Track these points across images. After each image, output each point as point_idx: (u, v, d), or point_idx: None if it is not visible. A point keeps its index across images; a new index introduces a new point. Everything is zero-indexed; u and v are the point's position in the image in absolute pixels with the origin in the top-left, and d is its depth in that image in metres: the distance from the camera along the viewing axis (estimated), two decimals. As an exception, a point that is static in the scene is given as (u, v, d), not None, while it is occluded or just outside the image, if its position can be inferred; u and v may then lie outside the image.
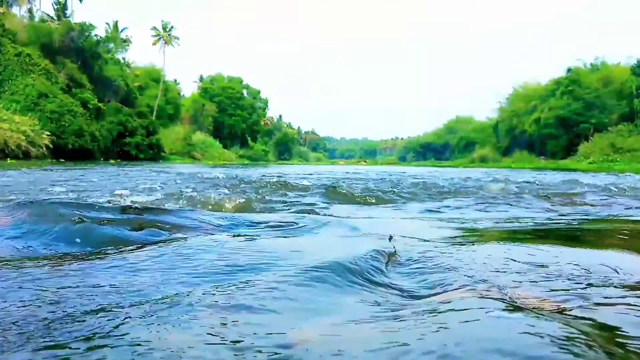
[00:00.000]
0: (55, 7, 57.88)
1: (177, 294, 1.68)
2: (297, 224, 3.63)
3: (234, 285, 1.74)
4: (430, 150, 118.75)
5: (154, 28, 74.76)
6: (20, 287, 1.77)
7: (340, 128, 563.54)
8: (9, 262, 2.23)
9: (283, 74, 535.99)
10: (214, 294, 1.61)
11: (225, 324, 1.32)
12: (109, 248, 2.61)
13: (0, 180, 10.15)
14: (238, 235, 3.01)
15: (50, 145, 41.72)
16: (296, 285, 1.72)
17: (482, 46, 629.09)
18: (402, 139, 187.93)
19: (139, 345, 1.19)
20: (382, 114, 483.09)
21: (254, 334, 1.26)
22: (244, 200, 5.96)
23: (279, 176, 13.87)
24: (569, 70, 65.06)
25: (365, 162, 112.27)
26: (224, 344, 1.19)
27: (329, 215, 4.69)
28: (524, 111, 69.60)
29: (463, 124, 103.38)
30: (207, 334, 1.26)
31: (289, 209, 5.58)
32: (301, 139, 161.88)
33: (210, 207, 5.37)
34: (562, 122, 61.27)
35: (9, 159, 33.94)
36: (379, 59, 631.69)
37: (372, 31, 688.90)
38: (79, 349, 1.18)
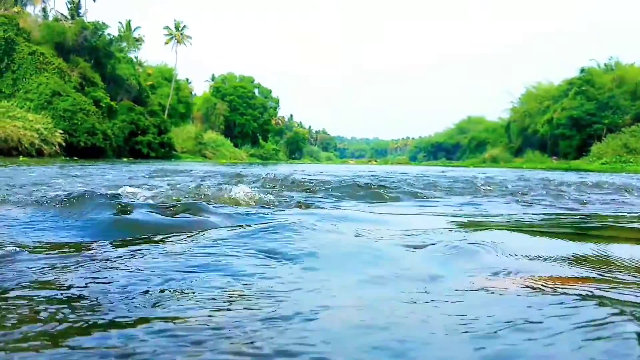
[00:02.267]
0: (69, 6, 58.35)
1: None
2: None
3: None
4: (441, 150, 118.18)
5: (167, 27, 75.13)
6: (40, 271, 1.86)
7: (351, 128, 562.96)
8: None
9: (295, 74, 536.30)
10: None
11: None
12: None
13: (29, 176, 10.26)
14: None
15: (63, 143, 42.08)
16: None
17: (493, 46, 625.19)
18: (413, 138, 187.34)
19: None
20: (393, 114, 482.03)
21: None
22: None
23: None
24: (582, 70, 64.52)
25: (375, 161, 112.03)
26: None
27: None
28: (537, 111, 69.14)
29: (474, 124, 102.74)
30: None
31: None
32: (312, 139, 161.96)
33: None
34: (575, 123, 60.78)
35: (21, 156, 34.29)
36: (389, 59, 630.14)
37: (382, 31, 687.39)
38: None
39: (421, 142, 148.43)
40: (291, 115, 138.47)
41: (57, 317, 1.34)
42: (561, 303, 1.49)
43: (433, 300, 1.59)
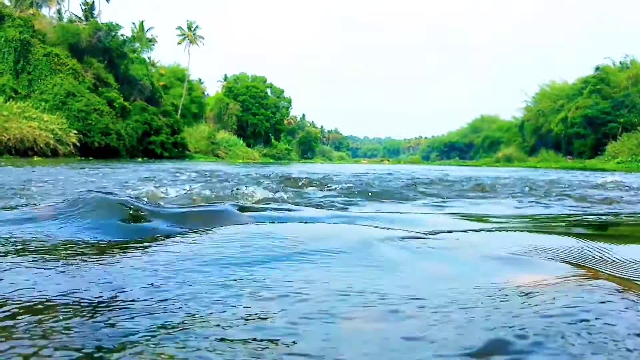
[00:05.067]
0: (83, 7, 58.91)
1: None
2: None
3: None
4: (454, 149, 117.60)
5: (179, 27, 75.60)
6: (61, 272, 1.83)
7: (364, 127, 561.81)
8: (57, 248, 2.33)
9: (307, 73, 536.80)
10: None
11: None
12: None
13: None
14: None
15: (78, 144, 42.52)
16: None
17: (508, 44, 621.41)
18: (426, 138, 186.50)
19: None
20: (405, 113, 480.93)
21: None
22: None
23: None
24: (597, 68, 63.88)
25: (388, 161, 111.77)
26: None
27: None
28: (551, 110, 68.61)
29: (488, 123, 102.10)
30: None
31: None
32: (324, 138, 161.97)
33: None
34: (590, 122, 60.21)
35: (35, 157, 34.67)
36: (402, 58, 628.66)
37: (395, 31, 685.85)
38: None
39: (434, 141, 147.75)
40: (303, 115, 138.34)
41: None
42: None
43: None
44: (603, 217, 4.88)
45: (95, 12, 59.39)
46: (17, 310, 1.36)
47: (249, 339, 1.15)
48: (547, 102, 70.25)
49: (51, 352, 1.07)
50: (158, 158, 50.23)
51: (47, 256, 2.13)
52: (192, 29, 75.57)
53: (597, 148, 57.38)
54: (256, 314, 1.33)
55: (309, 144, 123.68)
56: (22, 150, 36.42)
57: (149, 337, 1.16)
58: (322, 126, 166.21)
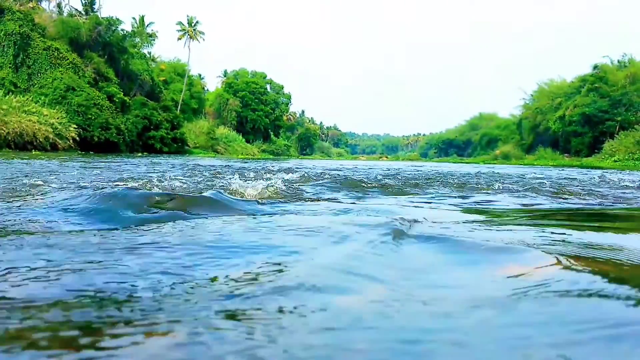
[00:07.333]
0: (83, 1, 58.78)
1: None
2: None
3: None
4: (452, 146, 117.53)
5: (179, 23, 75.51)
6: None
7: (362, 124, 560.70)
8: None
9: (306, 69, 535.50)
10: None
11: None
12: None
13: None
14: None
15: (77, 138, 42.55)
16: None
17: (506, 42, 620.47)
18: (424, 135, 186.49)
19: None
20: (404, 110, 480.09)
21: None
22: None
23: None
24: (595, 67, 63.84)
25: (386, 157, 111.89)
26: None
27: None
28: (549, 108, 68.59)
29: (486, 121, 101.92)
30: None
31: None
32: (323, 134, 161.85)
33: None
34: (587, 120, 60.27)
35: (34, 150, 34.75)
36: (400, 56, 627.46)
37: (393, 28, 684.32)
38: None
39: (432, 138, 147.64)
40: (302, 111, 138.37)
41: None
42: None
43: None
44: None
45: (96, 7, 59.23)
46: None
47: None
48: (545, 100, 70.23)
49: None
50: (157, 153, 50.32)
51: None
52: (193, 24, 75.53)
53: (595, 146, 57.47)
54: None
55: (308, 140, 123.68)
56: (22, 144, 36.44)
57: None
58: (321, 122, 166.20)
